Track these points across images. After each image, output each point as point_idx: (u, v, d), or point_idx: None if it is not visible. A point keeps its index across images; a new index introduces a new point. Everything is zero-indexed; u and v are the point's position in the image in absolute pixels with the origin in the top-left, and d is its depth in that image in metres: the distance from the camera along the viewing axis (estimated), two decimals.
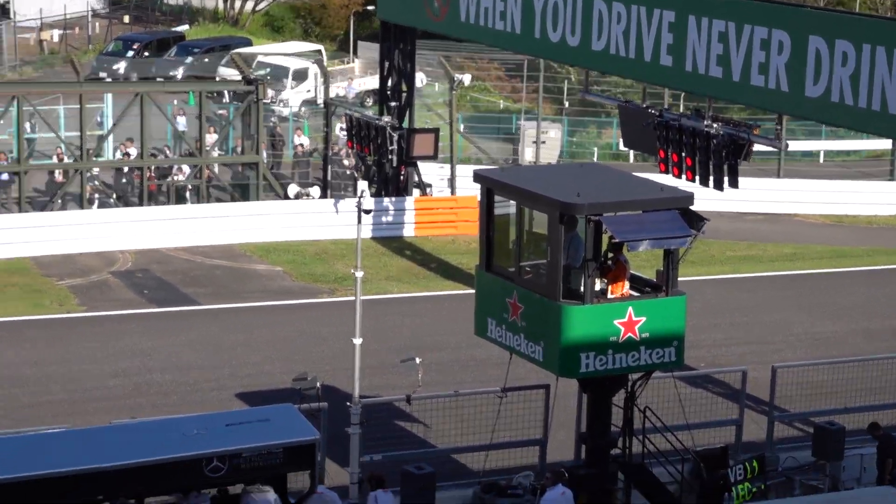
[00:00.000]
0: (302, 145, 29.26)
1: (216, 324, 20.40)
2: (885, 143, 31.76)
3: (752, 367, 15.57)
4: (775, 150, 24.30)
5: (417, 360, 13.25)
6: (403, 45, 25.41)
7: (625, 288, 12.07)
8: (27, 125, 25.63)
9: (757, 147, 18.54)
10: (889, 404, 15.30)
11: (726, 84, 17.14)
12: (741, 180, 18.07)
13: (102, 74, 34.68)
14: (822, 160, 34.52)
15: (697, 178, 17.90)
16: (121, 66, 36.03)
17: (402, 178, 25.56)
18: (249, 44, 39.99)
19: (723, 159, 17.29)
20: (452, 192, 27.18)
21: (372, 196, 24.50)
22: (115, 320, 20.52)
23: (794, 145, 31.29)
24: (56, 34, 41.47)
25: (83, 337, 19.57)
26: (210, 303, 21.62)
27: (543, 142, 31.80)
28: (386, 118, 24.26)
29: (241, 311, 21.15)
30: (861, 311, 21.98)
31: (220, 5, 47.59)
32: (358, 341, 12.94)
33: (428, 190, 26.94)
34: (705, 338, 18.81)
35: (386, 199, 25.29)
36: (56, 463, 10.50)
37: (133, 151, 25.81)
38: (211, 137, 26.68)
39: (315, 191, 27.06)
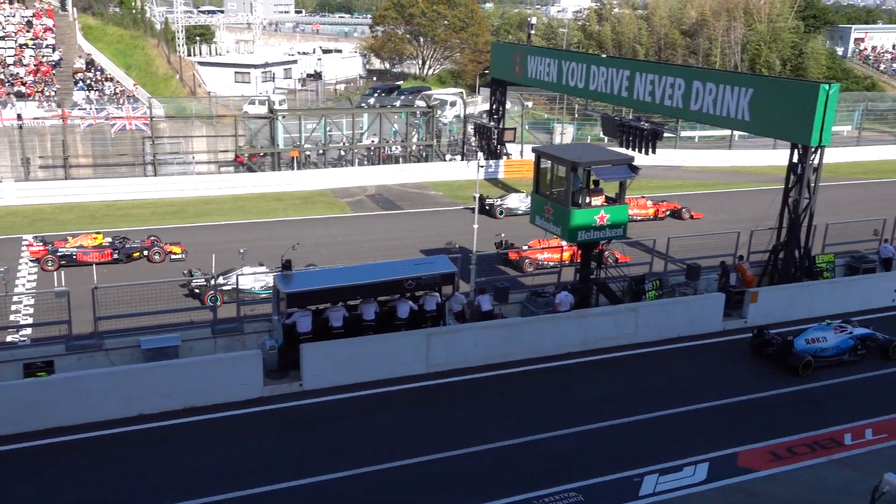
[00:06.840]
0: (452, 136, 52.47)
1: (409, 219, 38.01)
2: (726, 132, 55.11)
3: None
4: (673, 135, 45.19)
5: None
6: (501, 88, 46.23)
7: (600, 201, 21.16)
8: (329, 128, 46.65)
9: (667, 134, 31.22)
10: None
11: (653, 104, 29.59)
12: (659, 151, 30.59)
13: (363, 104, 58.24)
14: (696, 140, 60.33)
15: (637, 149, 30.15)
16: (371, 101, 62.65)
17: (498, 150, 47.24)
18: (429, 89, 67.97)
19: (648, 140, 29.58)
20: (521, 157, 47.95)
21: (485, 159, 46.17)
22: (366, 218, 38.01)
23: (684, 133, 55.95)
24: (342, 87, 76.96)
25: (352, 226, 36.08)
26: (409, 209, 40.17)
27: (564, 133, 55.04)
28: (491, 123, 46.51)
29: (421, 213, 39.15)
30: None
31: (418, 71, 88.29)
32: (476, 226, 24.77)
33: (510, 156, 48.09)
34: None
35: (491, 161, 46.99)
36: (339, 279, 19.34)
37: (374, 139, 48.34)
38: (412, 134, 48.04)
39: (458, 158, 48.98)
